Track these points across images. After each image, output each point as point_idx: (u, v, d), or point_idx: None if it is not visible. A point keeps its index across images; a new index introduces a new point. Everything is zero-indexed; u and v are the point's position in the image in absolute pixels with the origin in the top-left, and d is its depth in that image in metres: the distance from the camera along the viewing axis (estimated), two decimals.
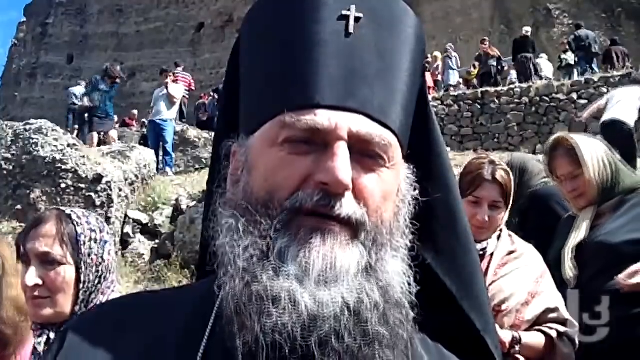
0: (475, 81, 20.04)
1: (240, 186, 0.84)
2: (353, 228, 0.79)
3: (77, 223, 1.90)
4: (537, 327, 2.47)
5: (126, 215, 7.13)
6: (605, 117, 9.91)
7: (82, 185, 6.11)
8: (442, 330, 0.95)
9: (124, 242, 7.06)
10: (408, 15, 0.91)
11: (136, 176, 7.80)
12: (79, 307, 1.84)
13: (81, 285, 1.86)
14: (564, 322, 2.52)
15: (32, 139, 6.09)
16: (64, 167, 6.05)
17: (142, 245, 7.13)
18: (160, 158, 11.49)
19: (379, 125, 0.81)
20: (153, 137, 12.19)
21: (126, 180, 7.25)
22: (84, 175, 6.13)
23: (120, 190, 6.69)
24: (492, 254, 2.57)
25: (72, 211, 1.96)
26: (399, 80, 0.86)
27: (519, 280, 2.51)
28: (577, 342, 2.57)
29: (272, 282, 0.75)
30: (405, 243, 0.85)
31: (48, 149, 6.07)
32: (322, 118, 0.79)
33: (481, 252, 2.56)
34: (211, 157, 1.03)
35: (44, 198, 5.94)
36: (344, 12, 0.83)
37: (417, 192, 0.89)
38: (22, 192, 5.95)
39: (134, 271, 6.64)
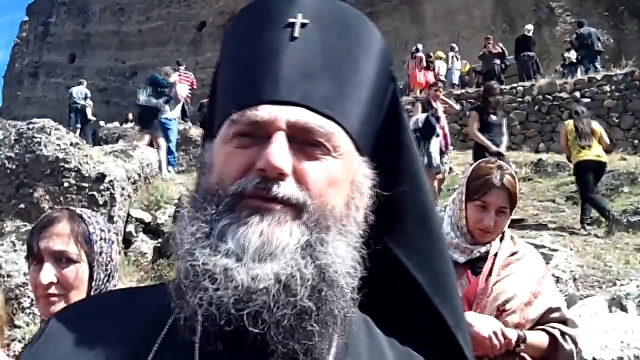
0: (467, 78, 20.06)
1: (201, 185, 0.90)
2: (295, 209, 0.83)
3: (89, 223, 1.94)
4: (540, 327, 2.48)
5: (129, 215, 7.13)
6: None
7: (85, 185, 6.11)
8: (414, 327, 0.98)
9: (127, 241, 7.06)
10: (363, 22, 0.97)
11: (139, 175, 7.80)
12: None
13: (94, 284, 1.90)
14: (566, 322, 2.54)
15: (36, 138, 6.09)
16: (67, 166, 6.05)
17: (145, 245, 7.14)
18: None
19: (320, 116, 0.86)
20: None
21: (129, 179, 7.25)
22: (87, 175, 6.13)
23: (123, 189, 6.69)
24: (495, 256, 2.59)
25: (82, 211, 2.01)
26: (351, 78, 0.91)
27: (521, 280, 2.53)
28: (578, 341, 2.59)
29: (208, 259, 0.79)
30: (357, 231, 0.88)
31: (51, 148, 6.07)
32: (263, 112, 0.85)
33: (484, 254, 2.58)
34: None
35: (47, 197, 5.94)
36: (290, 20, 0.90)
37: (373, 184, 0.93)
38: (25, 191, 5.95)
39: (137, 270, 6.65)
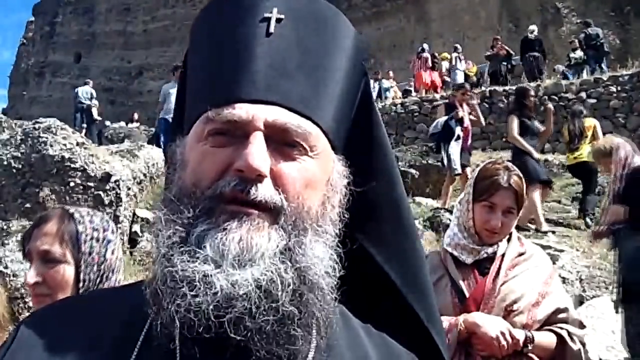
0: (474, 78, 20.01)
1: (174, 182, 0.89)
2: (272, 213, 0.82)
3: (79, 221, 1.91)
4: (548, 327, 2.48)
5: (134, 214, 7.13)
6: None
7: (91, 184, 6.12)
8: (388, 321, 0.98)
9: (133, 240, 7.06)
10: (338, 18, 0.97)
11: (144, 175, 7.80)
12: None
13: (81, 284, 1.86)
14: (573, 322, 2.53)
15: (41, 137, 6.10)
16: (72, 165, 6.05)
17: (151, 244, 7.12)
18: None
19: (298, 116, 0.85)
20: (165, 135, 11.98)
21: (134, 178, 7.25)
22: (92, 174, 6.13)
23: (129, 188, 6.69)
24: (502, 256, 2.59)
25: (76, 210, 1.96)
26: (326, 75, 0.91)
27: (529, 281, 2.53)
28: (585, 342, 2.58)
29: (186, 265, 0.78)
30: (333, 230, 0.88)
31: (57, 148, 6.07)
32: (240, 111, 0.83)
33: (491, 255, 2.58)
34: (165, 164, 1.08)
35: (53, 197, 5.95)
36: (265, 15, 0.89)
37: (347, 182, 0.93)
38: (31, 191, 5.96)
39: (143, 270, 6.64)
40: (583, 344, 2.56)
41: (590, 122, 9.54)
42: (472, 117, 10.24)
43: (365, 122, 1.01)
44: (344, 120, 0.95)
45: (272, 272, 0.79)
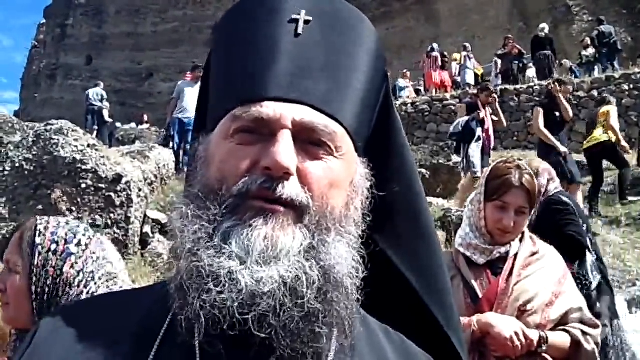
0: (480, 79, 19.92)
1: (198, 179, 0.89)
2: (297, 211, 0.82)
3: (40, 233, 1.88)
4: (562, 327, 2.46)
5: (145, 215, 7.14)
6: None
7: (102, 185, 6.13)
8: (406, 325, 0.98)
9: (143, 242, 7.07)
10: (362, 23, 0.98)
11: (155, 176, 7.83)
12: (37, 318, 1.79)
13: (33, 296, 1.83)
14: (587, 322, 2.51)
15: (53, 139, 6.12)
16: (84, 167, 6.07)
17: (161, 245, 7.15)
18: (181, 158, 11.36)
19: (324, 115, 0.86)
20: (179, 134, 11.67)
21: (145, 180, 7.28)
22: (104, 176, 6.15)
23: (140, 190, 6.70)
24: (515, 256, 2.57)
25: (46, 221, 1.94)
26: (349, 77, 0.92)
27: (542, 280, 2.52)
28: (599, 341, 2.56)
29: (212, 260, 0.78)
30: (355, 231, 0.88)
31: (68, 149, 6.09)
32: (268, 109, 0.84)
33: (504, 255, 2.56)
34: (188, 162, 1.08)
35: (65, 198, 5.97)
36: (294, 16, 0.91)
37: (370, 185, 0.93)
38: (43, 192, 5.98)
39: (154, 271, 6.65)
40: (597, 344, 2.54)
41: (605, 109, 9.53)
42: (493, 118, 10.18)
43: (385, 126, 1.02)
44: (366, 122, 0.96)
45: (297, 269, 0.79)
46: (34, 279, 1.83)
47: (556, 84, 10.01)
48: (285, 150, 0.81)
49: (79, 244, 1.90)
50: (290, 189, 0.82)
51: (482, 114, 9.73)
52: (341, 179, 0.87)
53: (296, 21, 0.90)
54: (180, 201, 0.88)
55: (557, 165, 7.98)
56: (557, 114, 8.63)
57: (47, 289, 1.84)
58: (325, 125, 0.86)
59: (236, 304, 0.76)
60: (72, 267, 1.87)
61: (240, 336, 0.77)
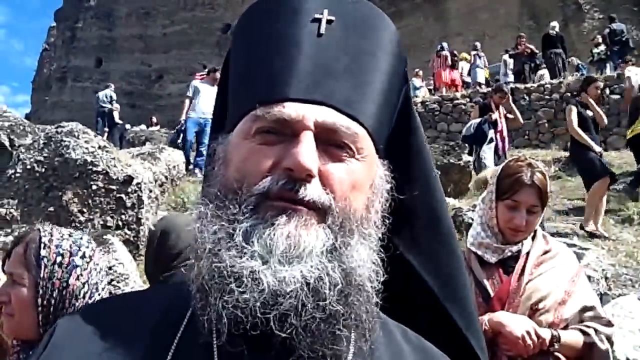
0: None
1: (217, 179, 0.88)
2: (320, 212, 0.82)
3: (45, 246, 1.90)
4: (575, 326, 2.44)
5: (156, 216, 7.16)
6: None
7: (113, 187, 6.15)
8: (426, 329, 0.97)
9: None
10: (384, 23, 0.97)
11: (166, 177, 7.85)
12: (42, 329, 1.82)
13: (39, 308, 1.85)
14: (600, 321, 2.49)
15: (64, 141, 6.14)
16: (95, 169, 6.09)
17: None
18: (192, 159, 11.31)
19: (345, 117, 0.86)
20: (192, 134, 11.52)
21: (156, 181, 7.29)
22: (114, 177, 6.17)
23: (151, 191, 6.72)
24: (527, 254, 2.55)
25: (49, 233, 1.95)
26: (371, 78, 0.91)
27: (555, 279, 2.50)
28: (613, 340, 2.54)
29: (234, 261, 0.78)
30: (376, 234, 0.88)
31: (79, 151, 6.11)
32: (290, 110, 0.83)
33: (516, 253, 2.55)
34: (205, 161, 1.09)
35: (76, 200, 5.99)
36: (316, 16, 0.90)
37: (390, 187, 0.93)
38: (54, 194, 6.00)
39: None
40: (611, 343, 2.52)
41: None
42: (509, 116, 10.06)
43: (405, 127, 1.01)
44: (386, 124, 0.95)
45: (319, 269, 0.78)
46: (40, 291, 1.86)
47: (497, 94, 9.98)
48: (307, 152, 0.80)
49: (83, 256, 1.93)
50: (313, 191, 0.81)
51: (494, 116, 9.63)
52: (362, 181, 0.87)
53: (318, 20, 0.90)
54: (199, 201, 0.88)
55: (593, 162, 7.87)
56: (590, 113, 8.40)
57: (52, 301, 1.86)
58: (347, 126, 0.85)
59: (258, 303, 0.75)
60: (77, 279, 1.90)
61: (261, 336, 0.76)
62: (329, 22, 0.90)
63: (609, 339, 2.50)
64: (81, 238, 1.98)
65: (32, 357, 0.92)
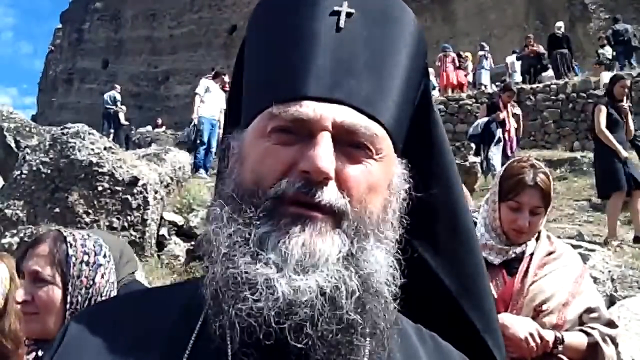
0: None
1: (231, 178, 0.86)
2: (335, 217, 0.79)
3: (71, 245, 1.95)
4: (579, 328, 2.43)
5: (162, 217, 7.17)
6: None
7: (119, 188, 6.17)
8: (444, 330, 0.95)
9: (160, 244, 7.09)
10: (405, 15, 0.93)
11: (171, 178, 7.85)
12: None
13: (68, 306, 1.89)
14: (605, 322, 2.47)
15: (70, 142, 6.16)
16: (100, 170, 6.11)
17: (178, 247, 7.17)
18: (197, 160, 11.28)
19: (365, 116, 0.82)
20: (207, 134, 11.46)
21: (161, 182, 7.30)
22: (120, 178, 6.18)
23: (156, 192, 6.73)
24: (531, 255, 2.54)
25: (70, 233, 2.01)
26: (392, 74, 0.88)
27: (559, 280, 2.49)
28: (618, 342, 2.52)
29: (248, 267, 0.76)
30: (393, 236, 0.85)
31: (85, 153, 6.13)
32: (308, 109, 0.80)
33: (520, 255, 2.54)
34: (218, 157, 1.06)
35: (82, 201, 6.00)
36: (335, 8, 0.86)
37: (408, 186, 0.90)
38: (60, 195, 6.02)
39: (170, 273, 6.67)
40: (616, 345, 2.50)
41: None
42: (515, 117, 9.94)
43: (423, 124, 0.98)
44: (405, 121, 0.92)
45: (336, 278, 0.76)
46: (70, 289, 1.90)
47: (505, 93, 9.71)
48: (325, 154, 0.77)
49: (104, 255, 1.99)
50: (329, 194, 0.78)
51: (502, 115, 9.52)
52: (380, 182, 0.84)
53: (338, 13, 0.86)
54: (214, 202, 0.86)
55: (615, 173, 7.52)
56: (617, 116, 7.99)
57: (80, 299, 1.91)
58: (366, 127, 0.82)
59: (273, 312, 0.73)
60: (102, 277, 1.95)
61: (276, 346, 0.74)
62: (348, 15, 0.86)
63: (614, 340, 2.48)
64: (98, 239, 2.03)
65: (45, 356, 0.91)
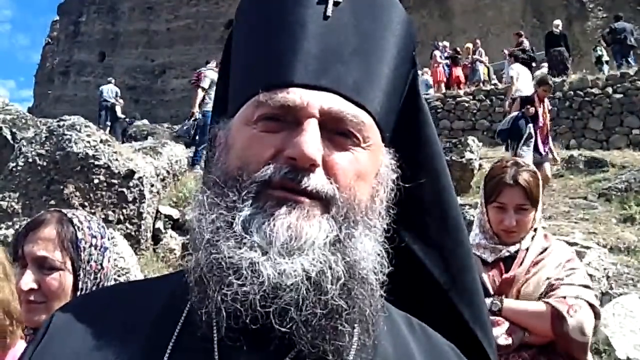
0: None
1: (217, 166, 0.85)
2: (323, 202, 0.79)
3: (79, 227, 1.84)
4: (544, 300, 2.41)
5: (157, 211, 7.17)
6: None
7: (115, 181, 6.16)
8: (433, 321, 0.95)
9: (156, 237, 7.10)
10: (394, 4, 0.93)
11: (167, 172, 7.85)
12: None
13: (78, 293, 1.79)
14: (572, 292, 2.42)
15: (66, 135, 6.14)
16: (96, 162, 6.10)
17: (173, 241, 7.17)
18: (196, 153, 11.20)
19: (352, 104, 0.82)
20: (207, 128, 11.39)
21: (158, 175, 7.29)
22: (116, 171, 6.17)
23: (152, 185, 6.72)
24: (526, 251, 2.55)
25: (73, 214, 1.89)
26: (380, 63, 0.88)
27: (545, 273, 2.49)
28: (599, 310, 2.47)
29: (232, 252, 0.75)
30: (381, 225, 0.85)
31: (81, 145, 6.11)
32: (294, 96, 0.80)
33: (514, 253, 2.54)
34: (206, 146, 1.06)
35: (77, 193, 5.99)
36: None
37: (396, 176, 0.90)
38: (56, 188, 6.01)
39: (166, 266, 6.68)
40: (597, 314, 2.44)
41: None
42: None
43: (412, 114, 0.98)
44: (393, 110, 0.92)
45: (322, 262, 0.76)
46: (81, 274, 1.80)
47: (541, 86, 9.30)
48: (311, 141, 0.78)
49: (109, 238, 1.91)
50: (316, 181, 0.78)
51: (532, 110, 9.07)
52: (367, 170, 0.84)
53: (325, 2, 0.86)
54: (198, 189, 0.86)
55: None
56: None
57: (90, 284, 1.81)
58: (354, 115, 0.82)
59: (258, 296, 0.73)
60: (108, 261, 1.88)
61: (260, 330, 0.74)
62: (336, 3, 0.86)
63: (596, 311, 2.42)
64: (98, 219, 1.95)
65: (29, 346, 0.90)
